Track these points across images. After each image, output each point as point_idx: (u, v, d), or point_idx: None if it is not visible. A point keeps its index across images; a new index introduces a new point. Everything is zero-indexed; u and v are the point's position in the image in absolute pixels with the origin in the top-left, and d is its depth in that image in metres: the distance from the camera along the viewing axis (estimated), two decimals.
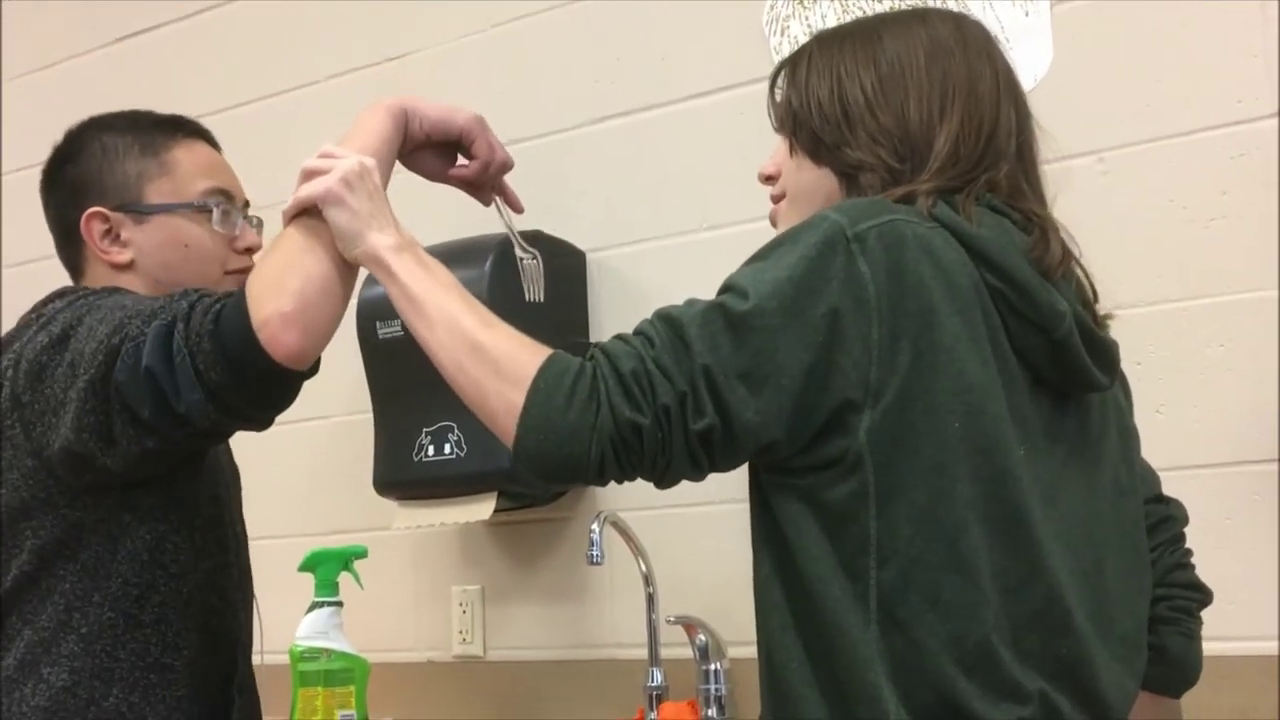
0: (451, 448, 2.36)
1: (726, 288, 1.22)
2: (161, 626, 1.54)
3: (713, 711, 2.24)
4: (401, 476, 2.42)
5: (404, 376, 2.31)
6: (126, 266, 1.65)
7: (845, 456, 1.18)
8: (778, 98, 1.40)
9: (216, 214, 1.67)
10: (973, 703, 1.16)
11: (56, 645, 1.51)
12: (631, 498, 2.42)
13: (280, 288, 1.40)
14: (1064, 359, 1.25)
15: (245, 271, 1.63)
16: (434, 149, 1.57)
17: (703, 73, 2.39)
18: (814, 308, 1.17)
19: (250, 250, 1.69)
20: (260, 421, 1.49)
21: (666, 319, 1.22)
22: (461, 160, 1.60)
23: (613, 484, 2.51)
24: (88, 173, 1.67)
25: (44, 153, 1.77)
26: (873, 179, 1.31)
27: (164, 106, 1.78)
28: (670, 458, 1.21)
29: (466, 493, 2.38)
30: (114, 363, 1.43)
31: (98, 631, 1.51)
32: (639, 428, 1.19)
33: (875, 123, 1.30)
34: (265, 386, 1.41)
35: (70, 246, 1.69)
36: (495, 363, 1.25)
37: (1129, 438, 1.39)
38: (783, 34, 2.33)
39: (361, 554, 2.12)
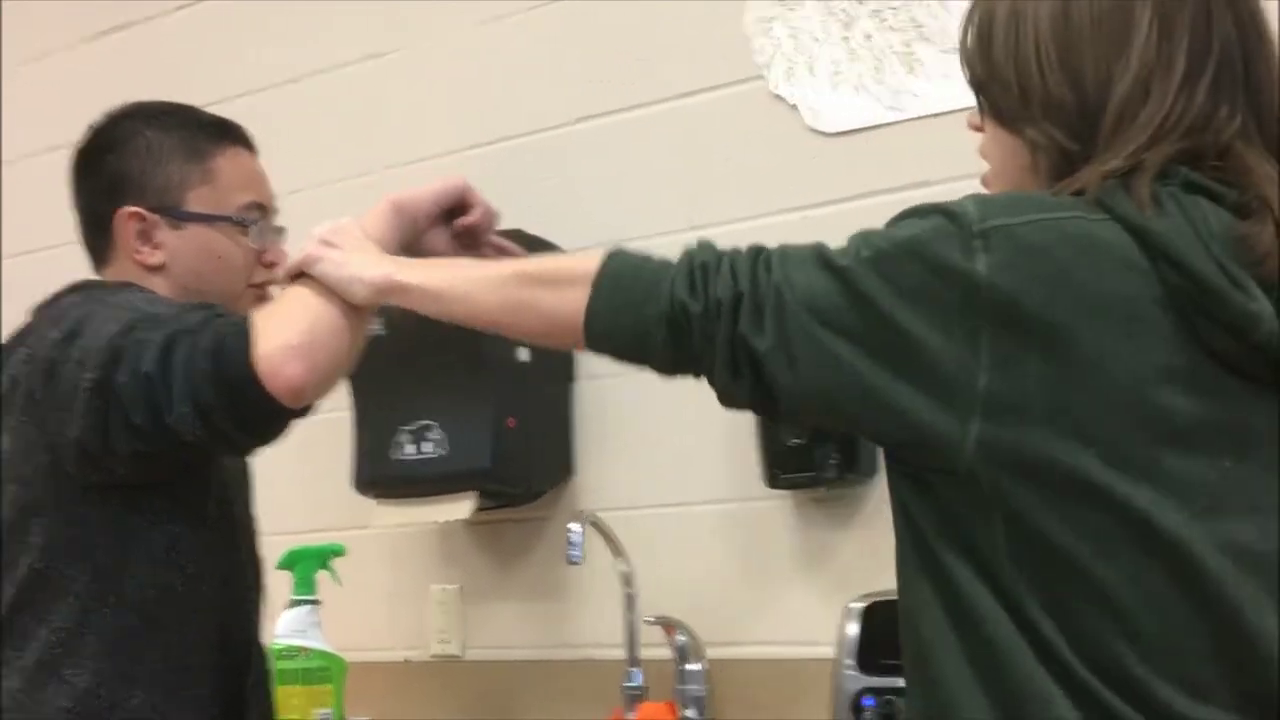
0: (431, 446, 2.35)
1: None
2: (181, 628, 1.54)
3: (691, 712, 2.24)
4: (381, 474, 2.41)
5: (384, 374, 2.30)
6: (156, 268, 1.64)
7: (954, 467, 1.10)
8: (967, 42, 1.22)
9: (253, 230, 1.67)
10: None
11: (77, 647, 1.50)
12: (612, 498, 2.42)
13: (289, 324, 1.41)
14: (1270, 362, 1.10)
15: (266, 285, 1.66)
16: (437, 225, 1.57)
17: (686, 73, 2.39)
18: (913, 285, 1.09)
19: (276, 265, 1.69)
20: (244, 449, 1.50)
21: (762, 248, 1.17)
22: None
23: (594, 480, 2.53)
24: (129, 169, 1.66)
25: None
26: (1046, 162, 1.16)
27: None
28: (714, 355, 1.16)
29: (446, 491, 2.37)
30: (118, 363, 1.43)
31: (118, 634, 1.51)
32: (690, 314, 1.16)
33: (1046, 91, 1.15)
34: (254, 416, 1.42)
35: (99, 238, 1.68)
36: (552, 277, 1.25)
37: None
38: (766, 35, 2.33)
39: (340, 552, 2.12)
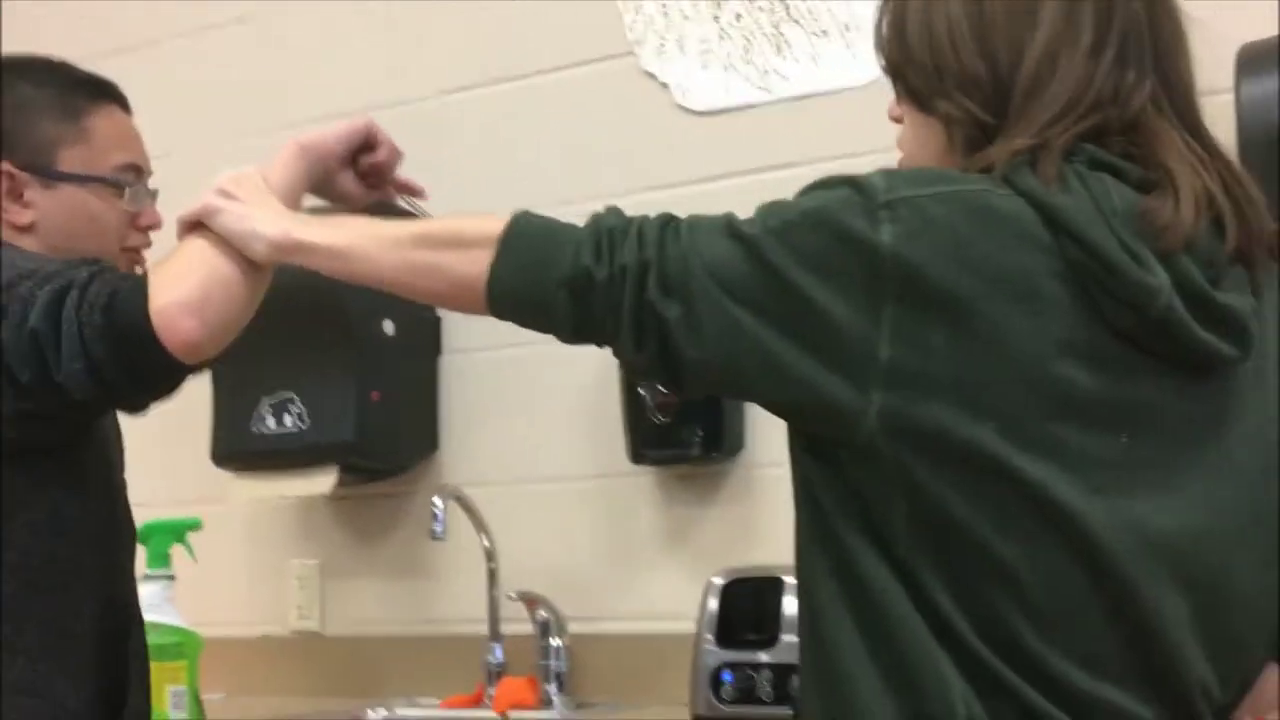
0: (292, 420, 2.32)
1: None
2: (65, 595, 1.49)
3: (552, 687, 2.25)
4: (240, 448, 2.38)
5: (244, 346, 2.26)
6: (25, 228, 1.58)
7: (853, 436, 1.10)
8: (882, 31, 1.23)
9: (128, 192, 1.62)
10: (1029, 696, 1.09)
11: None
12: (477, 473, 2.41)
13: (184, 278, 1.37)
14: (1169, 337, 1.10)
15: (139, 249, 1.62)
16: (345, 168, 1.54)
17: (557, 47, 2.38)
18: (818, 254, 1.10)
19: (150, 229, 1.65)
20: (137, 406, 1.46)
21: (671, 217, 1.16)
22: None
23: (459, 455, 2.51)
24: None
25: None
26: (961, 136, 1.17)
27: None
28: (619, 322, 1.14)
29: (307, 465, 2.35)
30: (1, 320, 1.38)
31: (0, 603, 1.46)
32: (593, 279, 1.14)
33: (960, 65, 1.16)
34: (149, 372, 1.38)
35: None
36: (456, 237, 1.21)
37: None
38: (638, 11, 2.33)
39: (195, 526, 2.08)
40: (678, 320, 1.12)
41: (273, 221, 1.34)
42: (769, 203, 1.15)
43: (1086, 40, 1.15)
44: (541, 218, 1.20)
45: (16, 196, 1.58)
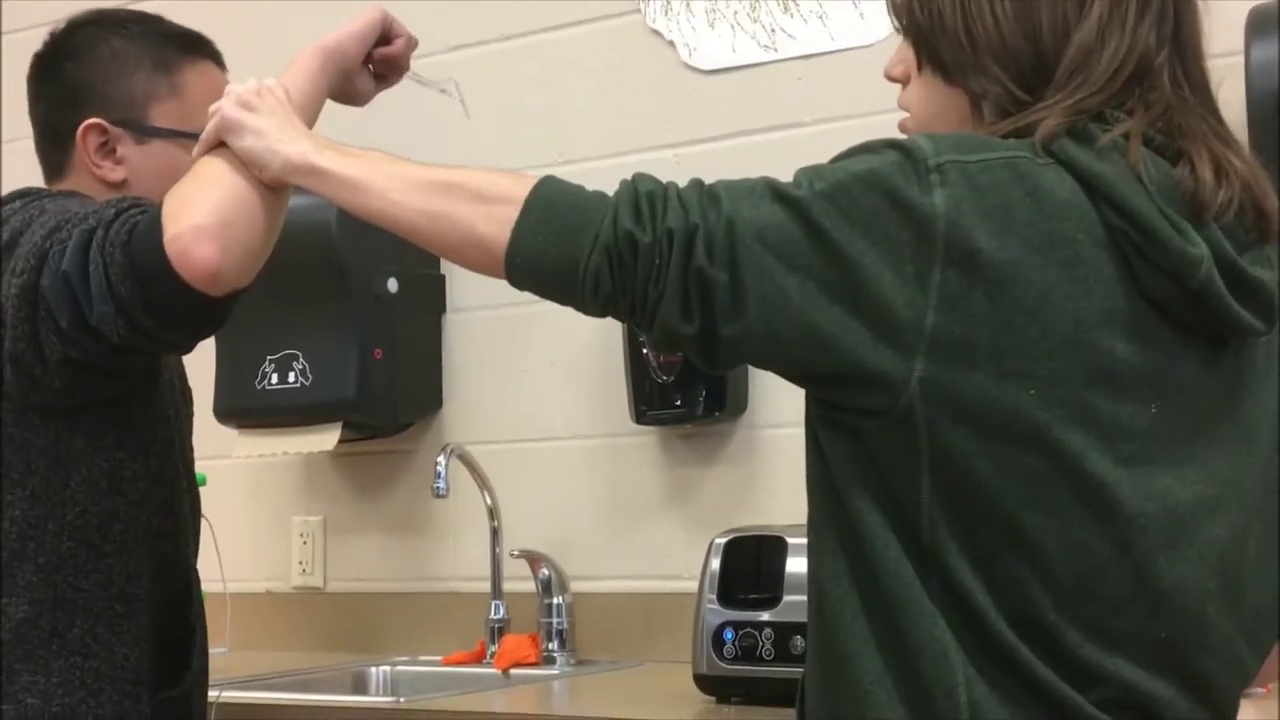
0: (296, 376, 2.33)
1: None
2: (123, 555, 1.47)
3: (554, 645, 2.26)
4: (243, 404, 2.38)
5: (249, 302, 2.26)
6: (117, 185, 1.55)
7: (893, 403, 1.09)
8: None
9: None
10: (1038, 671, 1.09)
11: (13, 575, 1.43)
12: (480, 431, 2.41)
13: (197, 201, 1.31)
14: (1205, 308, 1.11)
15: None
16: (362, 71, 1.51)
17: (563, 4, 2.37)
18: (868, 218, 1.08)
19: None
20: (174, 346, 1.42)
21: (703, 181, 1.13)
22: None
23: (462, 413, 2.51)
24: (92, 78, 1.56)
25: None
26: (991, 110, 1.16)
27: None
28: (663, 290, 1.09)
29: (310, 422, 2.35)
30: (43, 266, 1.35)
31: (57, 562, 1.44)
32: (636, 243, 1.09)
33: (1002, 41, 1.15)
34: (173, 308, 1.33)
35: (57, 149, 1.58)
36: (477, 191, 1.17)
37: None
38: None
39: (200, 482, 2.08)
40: (727, 285, 1.09)
41: (292, 141, 1.29)
42: (809, 166, 1.12)
43: (1132, 15, 1.14)
44: (568, 184, 1.16)
45: (109, 152, 1.55)
